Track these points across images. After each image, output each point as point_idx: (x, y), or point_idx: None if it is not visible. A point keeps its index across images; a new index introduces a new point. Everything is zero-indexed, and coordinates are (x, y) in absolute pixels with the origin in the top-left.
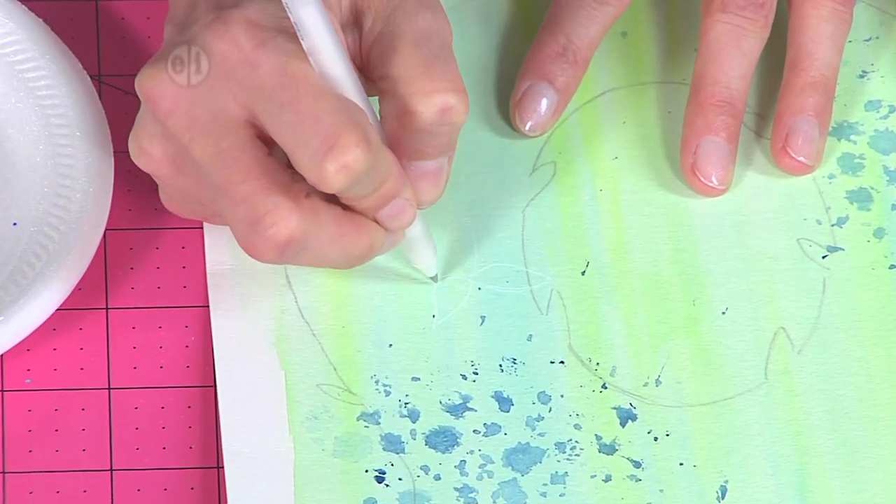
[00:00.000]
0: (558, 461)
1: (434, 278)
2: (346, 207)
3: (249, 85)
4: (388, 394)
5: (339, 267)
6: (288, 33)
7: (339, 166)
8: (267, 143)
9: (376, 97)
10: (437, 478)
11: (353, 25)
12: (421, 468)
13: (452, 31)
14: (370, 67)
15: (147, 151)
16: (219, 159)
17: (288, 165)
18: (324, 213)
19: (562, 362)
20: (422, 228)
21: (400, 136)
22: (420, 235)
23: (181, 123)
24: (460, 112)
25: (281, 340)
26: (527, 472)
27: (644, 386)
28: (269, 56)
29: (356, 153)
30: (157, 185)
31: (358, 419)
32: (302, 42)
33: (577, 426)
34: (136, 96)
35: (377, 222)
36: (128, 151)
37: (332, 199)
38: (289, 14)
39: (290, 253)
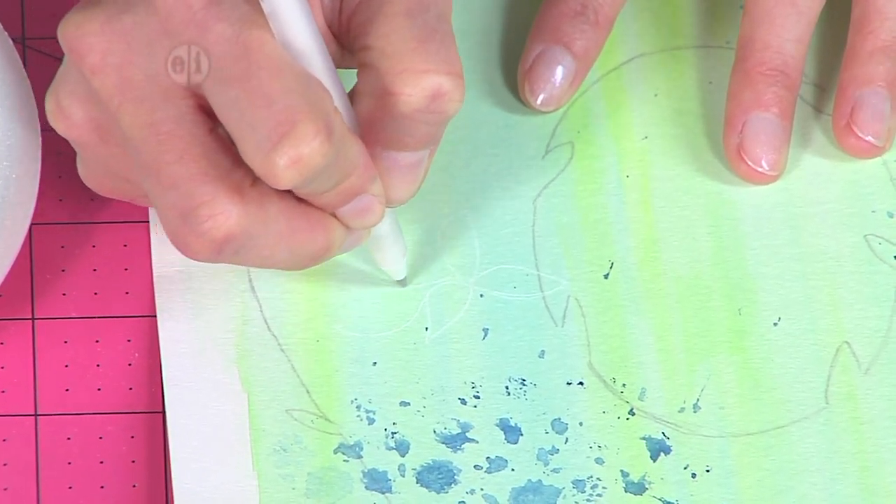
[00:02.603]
0: (576, 502)
1: (402, 282)
2: (300, 199)
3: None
4: (371, 421)
5: (287, 269)
6: None
7: (290, 160)
8: (210, 116)
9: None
10: None
11: None
12: None
13: (452, 1)
14: (350, 35)
15: (67, 113)
16: (150, 132)
17: (233, 144)
18: (271, 206)
19: (580, 384)
20: (390, 224)
21: (377, 120)
22: (387, 233)
23: (110, 84)
24: (454, 100)
25: (243, 357)
26: None
27: (679, 412)
28: (221, 19)
29: (313, 145)
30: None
31: (335, 452)
32: (262, 3)
33: (598, 460)
34: None
35: (338, 219)
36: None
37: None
38: None
39: (229, 252)
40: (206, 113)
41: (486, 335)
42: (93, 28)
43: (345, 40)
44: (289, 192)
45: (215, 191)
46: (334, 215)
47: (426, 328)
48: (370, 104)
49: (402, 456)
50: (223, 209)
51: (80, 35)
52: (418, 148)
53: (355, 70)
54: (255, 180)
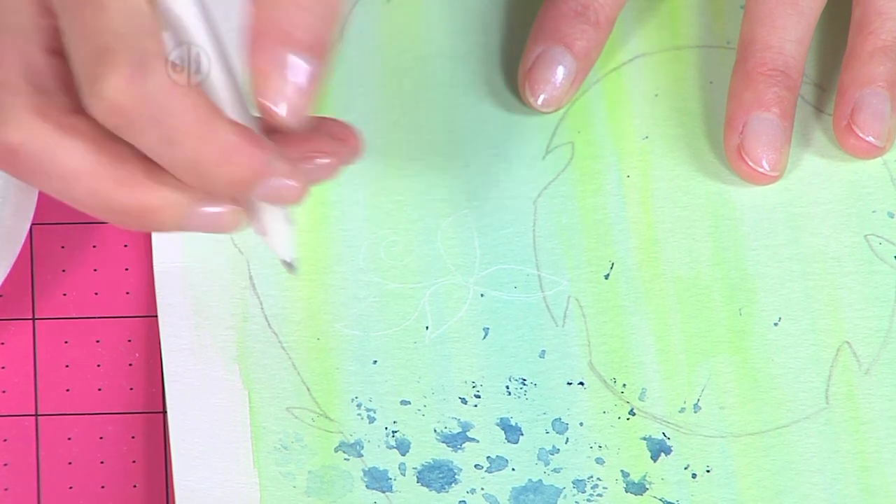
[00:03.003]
0: (577, 502)
1: (290, 266)
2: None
3: None
4: (372, 420)
5: (94, 214)
6: None
7: (94, 93)
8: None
9: None
10: None
11: None
12: None
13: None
14: None
15: None
16: None
17: None
18: (76, 140)
19: (581, 384)
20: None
21: (265, 13)
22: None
23: None
24: None
25: (243, 355)
26: None
27: (680, 412)
28: None
29: (116, 83)
30: None
31: (336, 450)
32: None
33: (599, 460)
34: None
35: (188, 189)
36: None
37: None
38: None
39: (20, 167)
40: (56, 34)
41: (486, 335)
42: None
43: None
44: (126, 146)
45: (13, 102)
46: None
47: (427, 327)
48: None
49: (403, 455)
50: (13, 120)
51: None
52: (306, 47)
53: None
54: (79, 113)
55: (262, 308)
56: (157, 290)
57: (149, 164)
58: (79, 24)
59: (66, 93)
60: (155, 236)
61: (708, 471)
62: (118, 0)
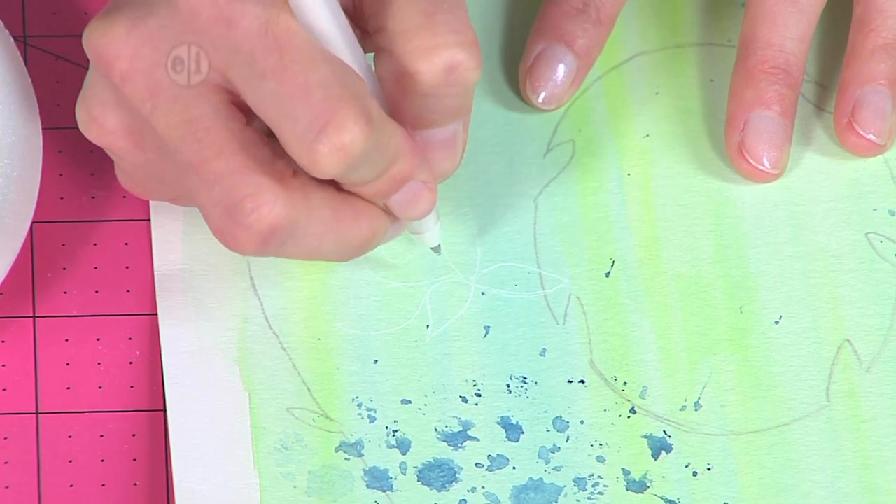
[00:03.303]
0: (577, 500)
1: (437, 249)
2: (341, 188)
3: (224, 46)
4: (372, 420)
5: (333, 259)
6: None
7: (333, 148)
8: (243, 110)
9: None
10: None
11: None
12: None
13: None
14: (364, 18)
15: (99, 122)
16: (188, 131)
17: (269, 135)
18: (315, 195)
19: (582, 382)
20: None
21: (402, 102)
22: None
23: (141, 89)
24: (470, 69)
25: (244, 355)
26: None
27: (681, 410)
28: (247, 11)
29: (354, 132)
30: (94, 169)
31: (337, 450)
32: None
33: (600, 458)
34: (69, 61)
35: (387, 210)
36: (59, 128)
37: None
38: None
39: (276, 243)
40: (240, 107)
41: (487, 333)
42: (118, 34)
43: (360, 23)
44: (332, 182)
45: (258, 182)
46: (385, 208)
47: (427, 326)
48: (392, 87)
49: (404, 454)
50: (267, 200)
51: (106, 42)
52: (447, 122)
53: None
54: (297, 171)
55: (262, 309)
56: (157, 292)
57: (361, 199)
58: (289, 86)
59: (278, 157)
60: (156, 235)
61: (709, 469)
62: (321, 52)
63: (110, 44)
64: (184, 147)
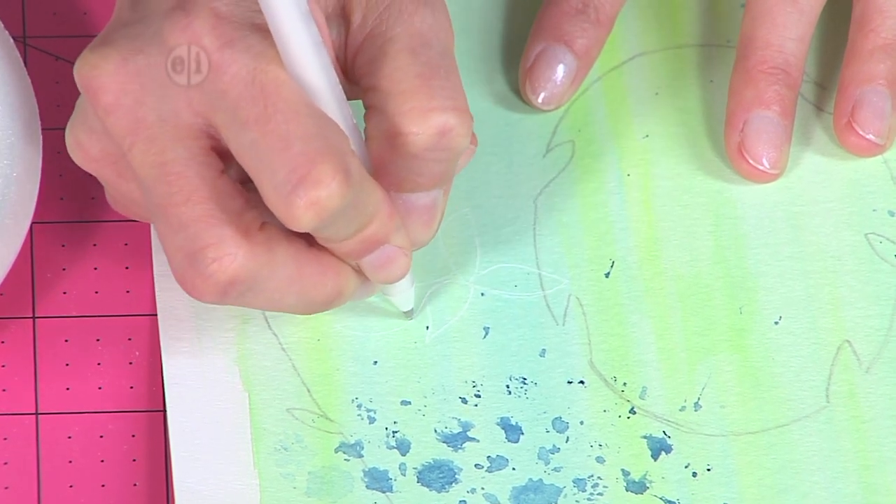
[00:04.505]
0: (577, 501)
1: (409, 314)
2: (313, 243)
3: (210, 92)
4: (372, 420)
5: (298, 313)
6: (262, 31)
7: (309, 202)
8: (223, 156)
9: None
10: None
11: (339, 18)
12: None
13: (454, 34)
14: (356, 74)
15: (86, 148)
16: (160, 173)
17: (245, 182)
18: (280, 250)
19: (581, 382)
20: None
21: (388, 162)
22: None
23: (122, 124)
24: (461, 135)
25: (244, 356)
26: None
27: (680, 411)
28: (235, 60)
29: (331, 188)
30: None
31: (336, 451)
32: (276, 42)
33: (599, 459)
34: (69, 62)
35: (361, 271)
36: (59, 128)
37: (296, 232)
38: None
39: (235, 294)
40: (219, 153)
41: (486, 334)
42: (108, 68)
43: (351, 77)
44: (301, 236)
45: (221, 234)
46: (358, 268)
47: (427, 327)
48: (381, 145)
49: (403, 455)
50: (229, 252)
51: (95, 75)
52: (431, 187)
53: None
54: (265, 224)
55: (262, 310)
56: (156, 293)
57: (331, 256)
58: (270, 137)
59: (248, 208)
60: (155, 238)
61: (708, 469)
62: (307, 105)
63: (99, 77)
64: (154, 188)
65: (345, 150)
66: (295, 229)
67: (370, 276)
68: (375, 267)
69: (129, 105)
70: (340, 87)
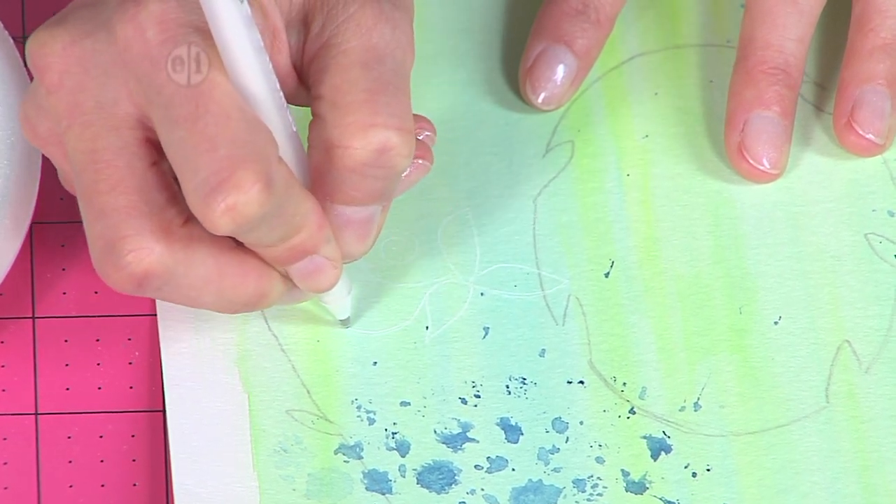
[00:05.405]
0: (577, 502)
1: (345, 322)
2: (241, 244)
3: (148, 84)
4: (371, 422)
5: (217, 311)
6: (207, 34)
7: (226, 207)
8: (158, 149)
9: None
10: None
11: (300, 24)
12: None
13: (415, 55)
14: (308, 81)
15: (33, 124)
16: (90, 159)
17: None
18: (200, 248)
19: (581, 382)
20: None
21: (326, 173)
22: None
23: (62, 106)
24: (401, 156)
25: (243, 357)
26: None
27: (680, 411)
28: None
29: (250, 195)
30: None
31: (336, 452)
32: (217, 44)
33: (599, 459)
34: None
35: (290, 277)
36: None
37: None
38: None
39: (150, 287)
40: (153, 146)
41: (486, 334)
42: (55, 48)
43: (305, 83)
44: (226, 237)
45: (140, 226)
46: (287, 275)
47: (426, 327)
48: (319, 156)
49: (403, 456)
50: (145, 245)
51: (43, 53)
52: (368, 203)
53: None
54: (188, 220)
55: (262, 311)
56: None
57: (255, 259)
58: (197, 137)
59: (173, 203)
60: None
61: (708, 469)
62: (239, 110)
63: (46, 56)
64: (83, 174)
65: (271, 157)
66: (213, 232)
67: (298, 284)
68: (303, 275)
69: (70, 87)
70: (281, 93)
